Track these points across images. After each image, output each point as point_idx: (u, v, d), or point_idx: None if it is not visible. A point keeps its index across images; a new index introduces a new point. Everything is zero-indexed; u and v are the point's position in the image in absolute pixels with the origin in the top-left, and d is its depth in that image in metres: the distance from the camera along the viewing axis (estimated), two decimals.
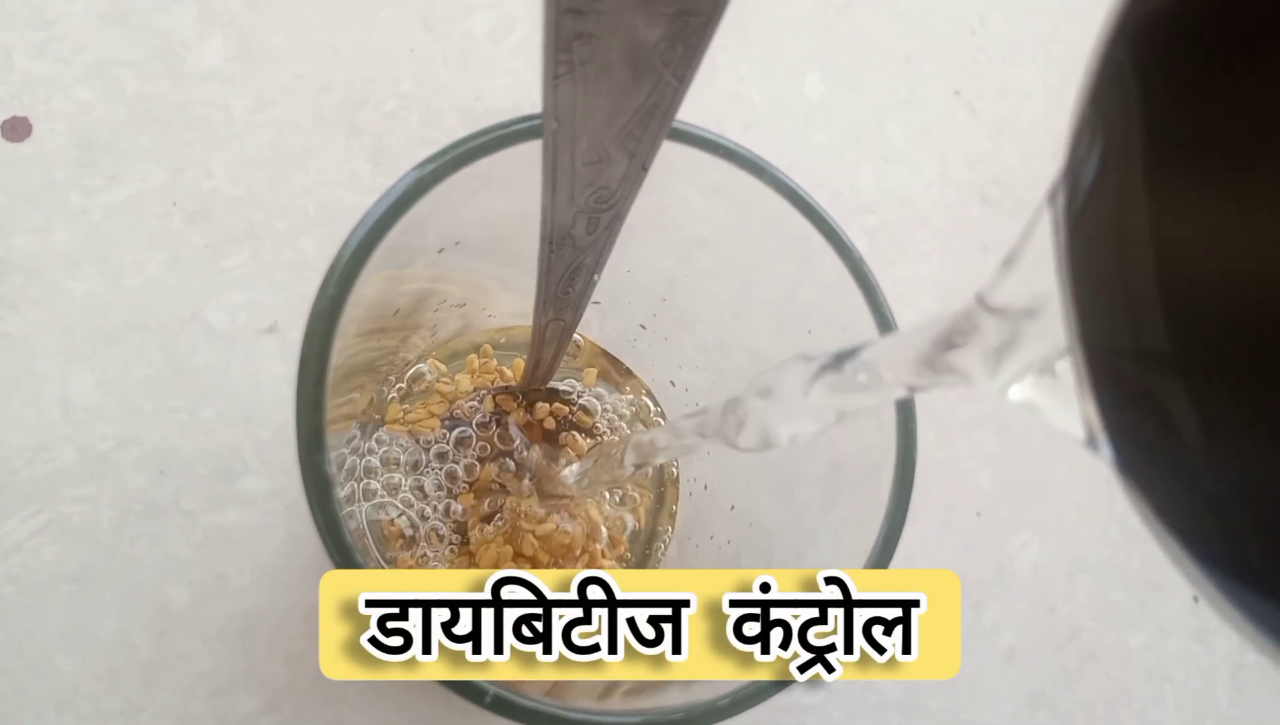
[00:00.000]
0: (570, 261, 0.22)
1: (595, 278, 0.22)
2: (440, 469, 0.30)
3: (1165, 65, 0.13)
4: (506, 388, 0.29)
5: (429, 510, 0.29)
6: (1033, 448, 0.40)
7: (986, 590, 0.38)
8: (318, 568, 0.32)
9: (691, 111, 0.24)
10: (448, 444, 0.30)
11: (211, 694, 0.31)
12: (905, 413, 0.21)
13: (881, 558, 0.19)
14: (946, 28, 0.44)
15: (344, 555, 0.17)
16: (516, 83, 0.37)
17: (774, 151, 0.26)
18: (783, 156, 0.27)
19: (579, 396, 0.32)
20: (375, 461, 0.30)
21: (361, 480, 0.30)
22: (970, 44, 0.44)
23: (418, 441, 0.30)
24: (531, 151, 0.20)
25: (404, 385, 0.31)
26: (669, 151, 0.21)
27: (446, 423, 0.30)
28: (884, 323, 0.22)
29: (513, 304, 0.29)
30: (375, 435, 0.30)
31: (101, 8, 0.35)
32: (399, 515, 0.30)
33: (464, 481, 0.30)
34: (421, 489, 0.30)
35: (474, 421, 0.30)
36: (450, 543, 0.29)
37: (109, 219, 0.33)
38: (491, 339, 0.31)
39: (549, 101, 0.18)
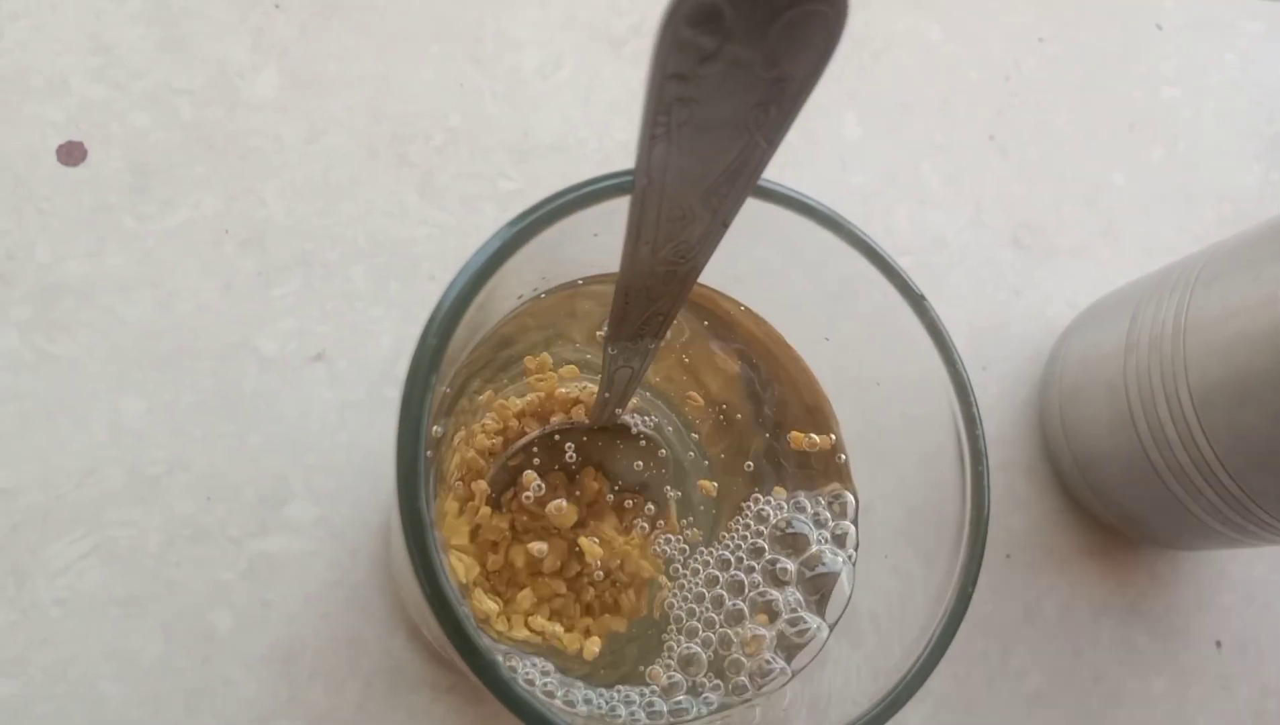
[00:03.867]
0: (643, 311, 0.22)
1: (667, 330, 0.23)
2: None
3: None
4: (571, 425, 0.29)
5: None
6: (1060, 492, 0.40)
7: (1014, 633, 0.38)
8: (360, 596, 0.33)
9: None
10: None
11: (254, 720, 0.31)
12: (978, 468, 0.21)
13: (950, 622, 0.20)
14: (981, 73, 0.45)
15: (436, 591, 0.17)
16: (563, 119, 0.38)
17: (811, 191, 0.27)
18: (819, 196, 0.27)
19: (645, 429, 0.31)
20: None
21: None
22: (1004, 89, 0.45)
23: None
24: (616, 207, 0.20)
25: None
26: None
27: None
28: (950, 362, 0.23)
29: (579, 351, 0.29)
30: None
31: (157, 35, 0.35)
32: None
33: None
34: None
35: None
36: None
37: (162, 245, 0.33)
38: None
39: (643, 160, 0.19)
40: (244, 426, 0.33)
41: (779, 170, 0.42)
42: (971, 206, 0.43)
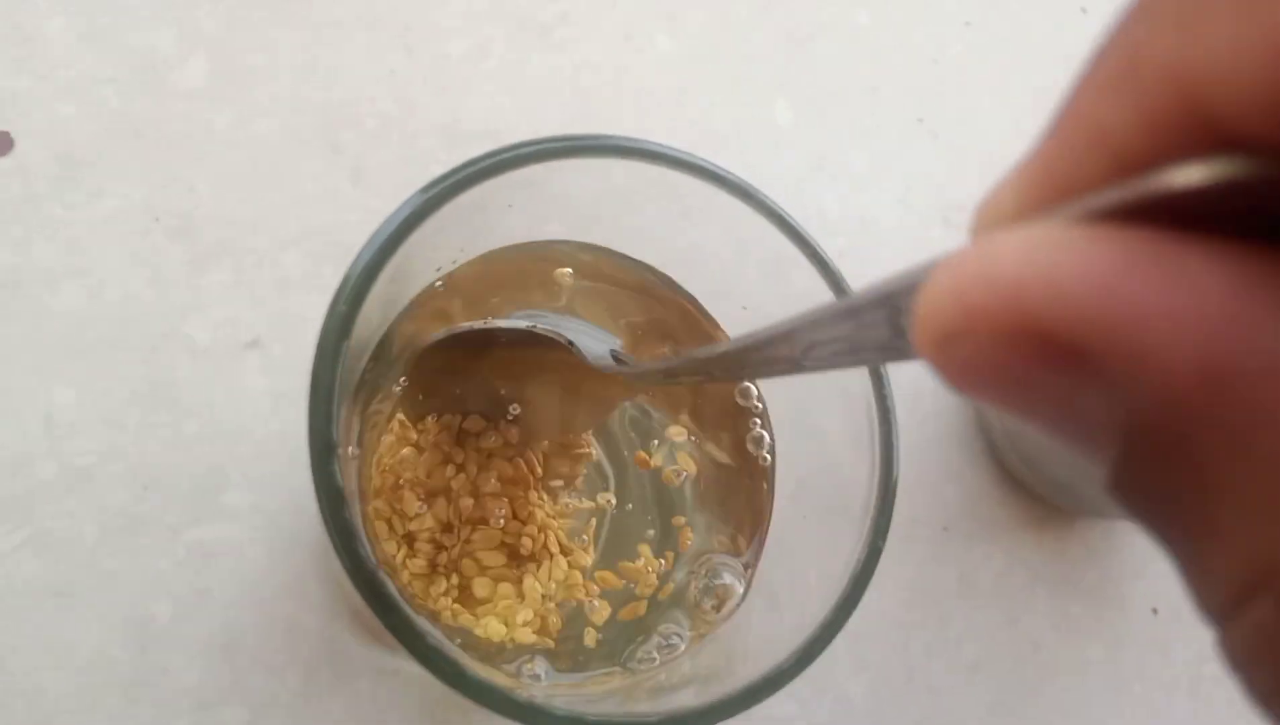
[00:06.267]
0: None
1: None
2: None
3: None
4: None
5: None
6: (995, 465, 0.41)
7: (952, 604, 0.39)
8: (299, 582, 0.33)
9: (662, 136, 0.25)
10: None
11: (195, 708, 0.31)
12: (887, 430, 0.22)
13: (862, 575, 0.20)
14: (909, 58, 0.46)
15: (355, 563, 0.17)
16: (493, 105, 0.38)
17: (742, 175, 0.27)
18: (750, 180, 0.28)
19: None
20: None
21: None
22: (931, 74, 0.46)
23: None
24: (528, 177, 0.21)
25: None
26: (649, 172, 0.21)
27: None
28: None
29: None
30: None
31: (80, 26, 0.35)
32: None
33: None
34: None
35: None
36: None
37: (90, 234, 0.33)
38: None
39: None
40: (177, 415, 0.32)
41: (711, 156, 0.42)
42: (901, 188, 0.43)
